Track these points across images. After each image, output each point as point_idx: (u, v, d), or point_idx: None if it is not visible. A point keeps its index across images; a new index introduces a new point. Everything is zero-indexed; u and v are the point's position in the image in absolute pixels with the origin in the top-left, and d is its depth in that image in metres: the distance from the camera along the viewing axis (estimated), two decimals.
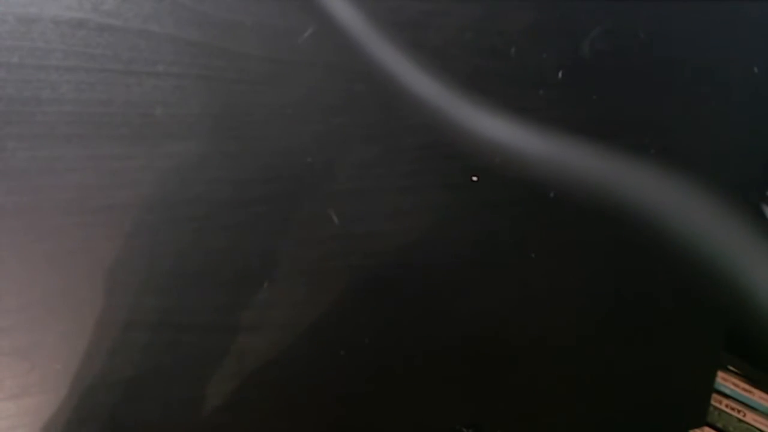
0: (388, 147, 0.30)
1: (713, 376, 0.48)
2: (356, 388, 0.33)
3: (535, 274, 0.36)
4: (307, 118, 0.28)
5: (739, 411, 0.48)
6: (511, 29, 0.31)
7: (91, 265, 0.26)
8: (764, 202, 0.44)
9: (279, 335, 0.30)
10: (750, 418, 0.47)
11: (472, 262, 0.34)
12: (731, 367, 0.48)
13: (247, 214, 0.28)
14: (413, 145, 0.31)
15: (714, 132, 0.39)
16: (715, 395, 0.48)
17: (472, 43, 0.31)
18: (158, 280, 0.27)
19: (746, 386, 0.48)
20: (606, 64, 0.34)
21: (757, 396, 0.47)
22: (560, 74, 0.33)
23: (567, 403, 0.40)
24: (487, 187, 0.33)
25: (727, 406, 0.48)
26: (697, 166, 0.39)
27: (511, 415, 0.39)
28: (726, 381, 0.48)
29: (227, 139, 0.27)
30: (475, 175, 0.33)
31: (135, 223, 0.26)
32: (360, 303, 0.32)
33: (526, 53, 0.32)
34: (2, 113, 0.23)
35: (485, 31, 0.31)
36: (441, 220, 0.33)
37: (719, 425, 0.48)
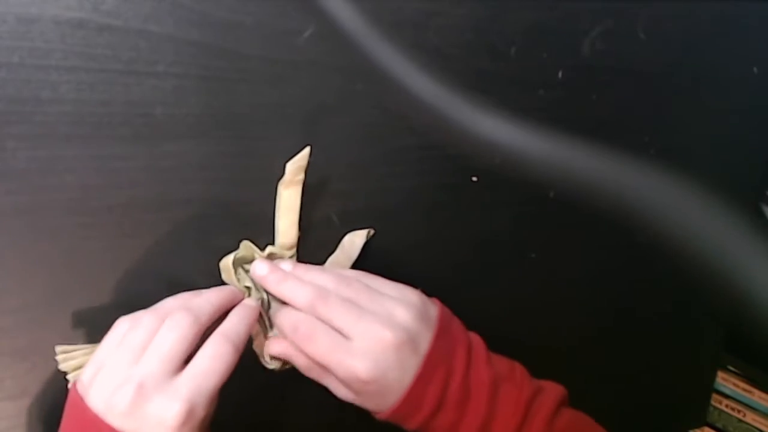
0: (388, 147, 0.30)
1: (713, 376, 0.48)
2: None
3: (535, 274, 0.36)
4: (307, 118, 0.28)
5: (739, 411, 0.48)
6: (511, 29, 0.31)
7: (91, 265, 0.26)
8: (764, 202, 0.44)
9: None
10: (750, 418, 0.47)
11: (472, 262, 0.34)
12: (731, 367, 0.48)
13: (247, 214, 0.28)
14: (413, 145, 0.31)
15: (714, 132, 0.39)
16: (715, 395, 0.48)
17: (472, 43, 0.31)
18: (158, 280, 0.27)
19: (746, 386, 0.48)
20: (606, 64, 0.34)
21: (757, 396, 0.47)
22: (560, 74, 0.33)
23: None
24: (487, 187, 0.33)
25: (727, 406, 0.48)
26: (697, 166, 0.39)
27: None
28: (726, 381, 0.48)
29: (227, 139, 0.27)
30: (475, 175, 0.33)
31: (135, 223, 0.26)
32: None
33: (526, 53, 0.32)
34: (2, 113, 0.23)
35: (485, 31, 0.31)
36: (441, 220, 0.33)
37: (719, 425, 0.49)
